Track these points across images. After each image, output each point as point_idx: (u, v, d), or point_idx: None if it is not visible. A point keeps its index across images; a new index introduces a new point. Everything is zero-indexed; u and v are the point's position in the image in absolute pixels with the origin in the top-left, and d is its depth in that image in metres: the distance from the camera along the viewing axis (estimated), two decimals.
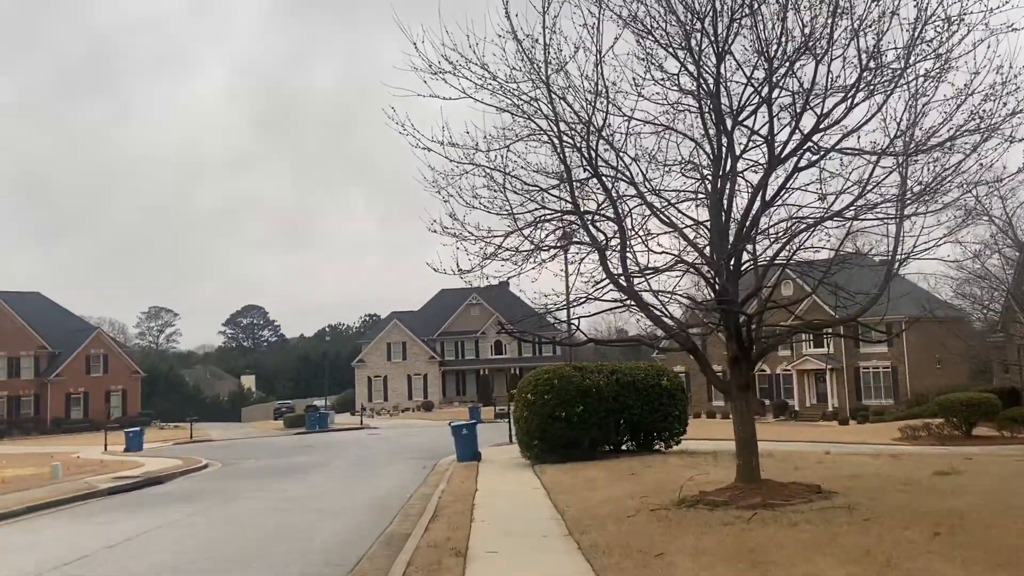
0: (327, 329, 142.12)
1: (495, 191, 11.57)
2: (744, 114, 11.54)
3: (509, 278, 11.98)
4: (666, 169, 12.53)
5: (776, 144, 10.44)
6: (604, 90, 11.21)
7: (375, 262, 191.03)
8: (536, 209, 11.82)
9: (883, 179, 10.70)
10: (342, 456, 30.38)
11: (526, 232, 11.25)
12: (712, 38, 11.01)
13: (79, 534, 13.52)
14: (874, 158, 10.26)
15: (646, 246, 11.36)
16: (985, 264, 33.91)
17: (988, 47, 9.59)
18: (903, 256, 11.79)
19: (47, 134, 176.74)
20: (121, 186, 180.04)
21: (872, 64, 10.03)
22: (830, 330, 12.16)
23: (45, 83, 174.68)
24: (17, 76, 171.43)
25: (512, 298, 66.57)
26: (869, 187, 10.69)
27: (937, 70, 10.22)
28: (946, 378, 52.87)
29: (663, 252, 11.54)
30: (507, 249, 11.21)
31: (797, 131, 10.08)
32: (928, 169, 10.94)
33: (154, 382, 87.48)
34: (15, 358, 69.70)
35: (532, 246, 11.22)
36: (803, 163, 10.33)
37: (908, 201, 11.18)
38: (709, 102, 11.54)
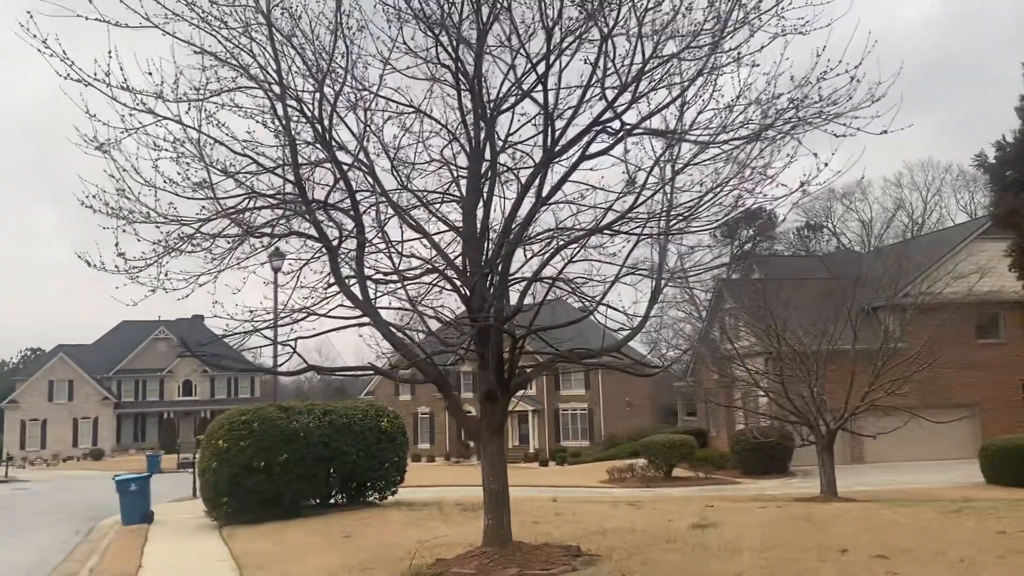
0: None
1: (189, 161, 8.47)
2: (509, 102, 9.68)
3: (203, 282, 8.85)
4: (412, 165, 10.33)
5: (556, 130, 8.51)
6: (345, 46, 8.72)
7: (61, 291, 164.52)
8: (246, 196, 8.89)
9: (657, 190, 9.26)
10: None
11: (233, 216, 8.26)
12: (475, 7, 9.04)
13: None
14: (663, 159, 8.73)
15: (396, 251, 8.89)
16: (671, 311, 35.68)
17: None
18: (669, 273, 10.53)
19: None
20: None
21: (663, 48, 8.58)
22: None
23: None
24: None
25: (209, 334, 59.75)
26: (644, 195, 9.19)
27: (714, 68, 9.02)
28: (635, 420, 56.05)
29: (411, 255, 9.15)
30: (205, 236, 8.15)
31: (587, 109, 8.18)
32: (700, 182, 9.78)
33: None
34: None
35: (240, 231, 8.24)
36: (594, 149, 8.50)
37: (675, 218, 9.93)
38: (466, 83, 9.54)
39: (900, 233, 51.96)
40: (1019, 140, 15.20)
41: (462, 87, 9.69)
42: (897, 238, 45.23)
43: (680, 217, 9.72)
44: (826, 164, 8.11)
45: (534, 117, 8.96)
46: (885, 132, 6.83)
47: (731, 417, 34.20)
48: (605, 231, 9.44)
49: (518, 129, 9.55)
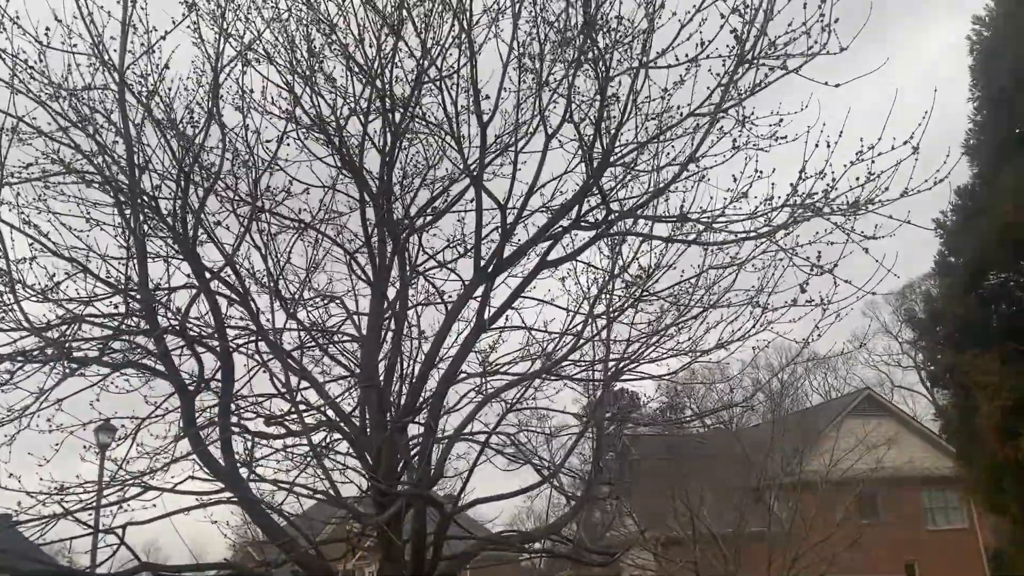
0: None
1: None
2: (425, 217, 7.98)
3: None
4: (295, 299, 8.23)
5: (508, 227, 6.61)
6: (221, 133, 6.77)
7: None
8: (67, 320, 6.41)
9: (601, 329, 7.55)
10: None
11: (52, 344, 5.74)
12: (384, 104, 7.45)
13: None
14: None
15: (288, 399, 6.53)
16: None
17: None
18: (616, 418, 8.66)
19: None
20: None
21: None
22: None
23: None
24: None
25: (16, 535, 50.50)
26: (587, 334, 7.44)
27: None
28: None
29: (302, 401, 6.79)
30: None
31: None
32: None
33: None
34: None
35: (57, 353, 5.68)
36: (555, 254, 6.61)
37: (613, 361, 8.19)
38: (371, 199, 7.79)
39: (760, 415, 52.77)
40: (946, 295, 15.04)
41: (366, 202, 7.93)
42: (758, 420, 45.57)
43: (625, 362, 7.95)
44: (820, 300, 6.72)
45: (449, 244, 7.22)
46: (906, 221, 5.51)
47: None
48: (549, 376, 7.57)
49: (441, 249, 7.73)
